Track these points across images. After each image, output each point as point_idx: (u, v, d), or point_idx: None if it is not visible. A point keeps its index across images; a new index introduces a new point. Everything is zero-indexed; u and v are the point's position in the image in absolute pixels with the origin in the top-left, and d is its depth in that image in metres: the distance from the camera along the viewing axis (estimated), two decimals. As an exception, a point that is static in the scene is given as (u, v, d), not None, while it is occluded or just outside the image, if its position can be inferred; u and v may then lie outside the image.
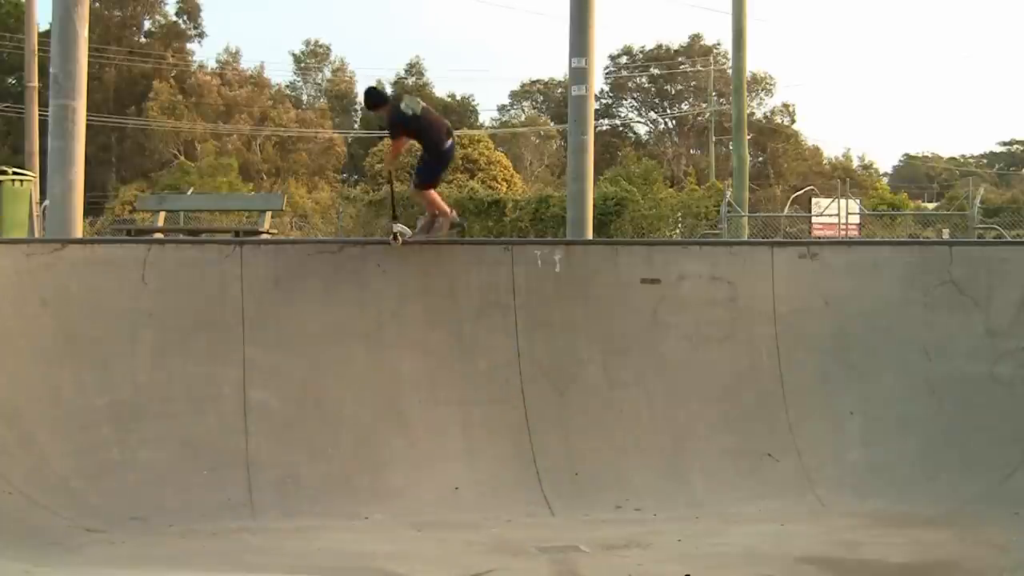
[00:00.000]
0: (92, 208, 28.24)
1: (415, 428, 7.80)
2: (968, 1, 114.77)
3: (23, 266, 7.85)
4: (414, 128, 8.34)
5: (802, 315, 8.54)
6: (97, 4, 47.74)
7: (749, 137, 30.08)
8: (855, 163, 64.83)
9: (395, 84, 58.71)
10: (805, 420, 8.10)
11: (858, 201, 29.76)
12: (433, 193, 8.54)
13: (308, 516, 7.05)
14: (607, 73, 60.81)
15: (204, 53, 69.50)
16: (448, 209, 8.54)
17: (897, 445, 7.86)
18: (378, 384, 7.97)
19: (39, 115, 22.58)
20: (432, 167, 8.56)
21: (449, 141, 8.47)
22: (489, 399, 8.02)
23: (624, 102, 63.52)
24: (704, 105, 56.50)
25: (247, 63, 58.47)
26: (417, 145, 8.73)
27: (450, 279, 8.36)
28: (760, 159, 56.12)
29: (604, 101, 60.12)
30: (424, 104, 8.43)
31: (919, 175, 70.14)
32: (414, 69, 59.29)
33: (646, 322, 8.47)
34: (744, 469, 7.80)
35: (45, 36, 20.94)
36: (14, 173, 14.46)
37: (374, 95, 8.67)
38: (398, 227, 8.23)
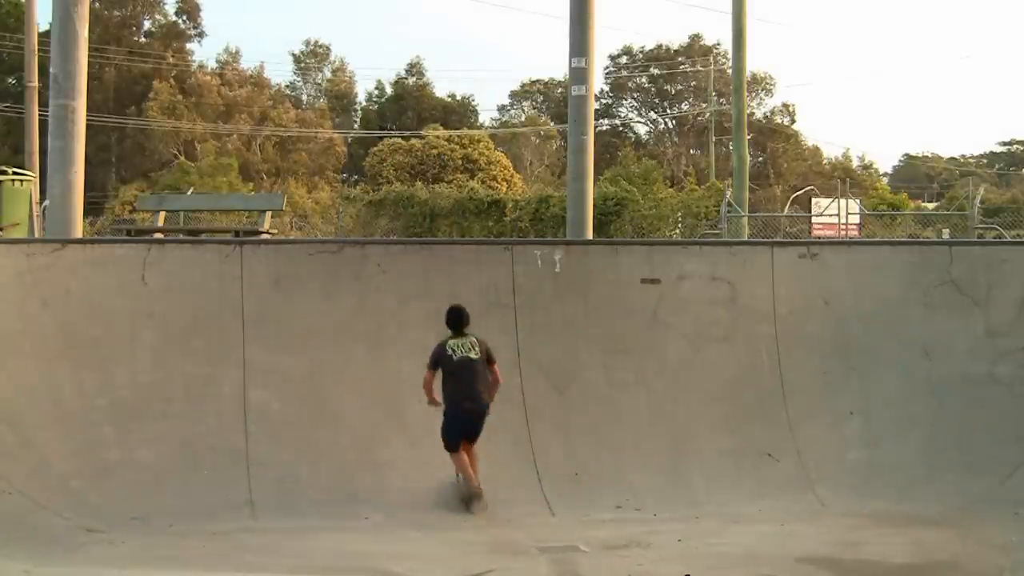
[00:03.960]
0: (92, 208, 28.24)
1: (415, 428, 7.79)
2: (968, 1, 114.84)
3: (23, 266, 7.86)
4: (445, 369, 7.51)
5: (802, 315, 8.54)
6: (97, 4, 47.74)
7: (749, 137, 30.06)
8: (855, 163, 64.84)
9: (395, 84, 58.77)
10: (805, 420, 8.10)
11: (858, 201, 29.75)
12: (457, 456, 7.44)
13: (308, 516, 7.05)
14: (607, 73, 60.84)
15: (204, 53, 69.50)
16: (471, 475, 7.36)
17: (897, 445, 7.86)
18: (378, 384, 7.97)
19: (39, 115, 22.59)
20: (449, 425, 7.48)
21: (472, 406, 7.44)
22: (489, 399, 8.02)
23: (624, 102, 63.52)
24: (704, 105, 56.49)
25: (247, 63, 58.52)
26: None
27: (450, 279, 8.36)
28: (760, 159, 56.11)
29: (604, 101, 60.13)
30: (479, 357, 7.49)
31: (919, 175, 70.14)
32: (414, 69, 59.28)
33: (646, 322, 8.48)
34: (744, 469, 7.80)
35: (45, 36, 20.95)
36: (14, 173, 14.44)
37: (451, 313, 7.69)
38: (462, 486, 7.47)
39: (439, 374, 7.56)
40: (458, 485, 7.46)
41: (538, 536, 6.77)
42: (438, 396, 7.52)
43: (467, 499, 7.37)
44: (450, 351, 7.55)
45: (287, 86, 59.09)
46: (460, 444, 7.45)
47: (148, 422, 7.53)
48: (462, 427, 7.47)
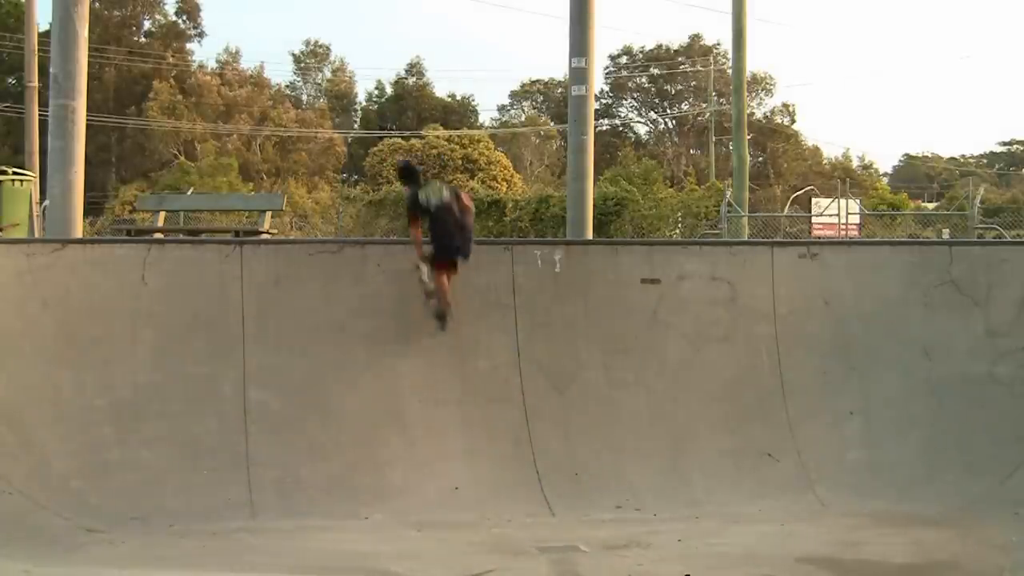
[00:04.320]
0: (92, 208, 28.21)
1: (415, 428, 7.80)
2: (968, 1, 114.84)
3: (23, 266, 7.86)
4: (427, 217, 8.11)
5: (802, 315, 8.55)
6: (97, 4, 47.72)
7: (749, 137, 30.04)
8: (855, 163, 64.81)
9: (395, 84, 58.75)
10: (805, 420, 8.10)
11: (858, 201, 29.73)
12: (439, 276, 8.05)
13: (308, 516, 7.05)
14: (607, 73, 60.80)
15: (204, 53, 69.35)
16: (445, 295, 8.04)
17: (897, 445, 7.87)
18: (378, 384, 7.97)
19: (39, 115, 22.58)
20: (437, 253, 8.09)
21: (459, 243, 8.08)
22: (489, 399, 8.03)
23: (624, 102, 63.48)
24: (704, 105, 56.48)
25: (247, 63, 58.46)
26: None
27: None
28: (760, 159, 56.07)
29: (604, 101, 60.09)
30: (449, 198, 8.11)
31: (919, 175, 70.08)
32: (414, 69, 59.26)
33: (646, 322, 8.48)
34: (744, 469, 7.81)
35: (45, 36, 20.94)
36: (14, 173, 14.43)
37: (403, 172, 8.75)
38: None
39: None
40: (432, 305, 8.04)
41: (538, 536, 6.77)
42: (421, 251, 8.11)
43: (440, 316, 8.03)
44: (424, 201, 8.12)
45: (287, 86, 59.07)
46: (448, 264, 8.04)
47: (148, 422, 7.53)
48: (452, 253, 8.07)
